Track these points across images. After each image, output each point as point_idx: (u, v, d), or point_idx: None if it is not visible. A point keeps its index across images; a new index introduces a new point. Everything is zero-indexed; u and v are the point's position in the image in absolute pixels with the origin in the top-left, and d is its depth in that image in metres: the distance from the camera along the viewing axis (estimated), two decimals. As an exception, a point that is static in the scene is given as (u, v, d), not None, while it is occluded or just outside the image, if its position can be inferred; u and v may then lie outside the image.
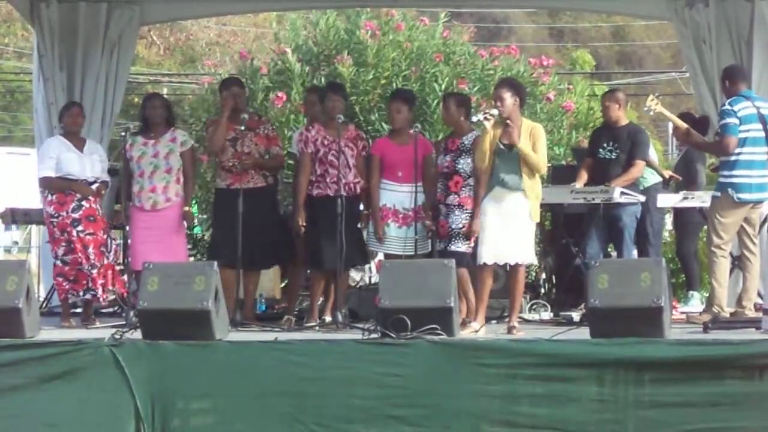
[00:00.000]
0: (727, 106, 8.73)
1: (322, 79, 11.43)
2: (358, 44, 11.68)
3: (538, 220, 8.61)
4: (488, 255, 8.39)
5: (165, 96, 14.62)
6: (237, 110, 9.34)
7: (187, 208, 9.38)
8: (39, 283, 10.77)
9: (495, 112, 8.45)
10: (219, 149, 9.24)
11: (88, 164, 9.15)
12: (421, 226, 8.90)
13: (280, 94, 11.40)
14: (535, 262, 8.65)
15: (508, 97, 8.45)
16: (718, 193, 8.77)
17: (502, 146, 8.45)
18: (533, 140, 8.45)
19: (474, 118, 8.60)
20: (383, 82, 11.45)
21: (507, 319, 8.67)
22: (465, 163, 8.83)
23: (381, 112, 11.37)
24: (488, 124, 8.39)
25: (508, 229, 8.38)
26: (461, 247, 8.72)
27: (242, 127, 9.10)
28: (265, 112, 11.14)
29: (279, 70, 11.87)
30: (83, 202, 9.08)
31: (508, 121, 8.41)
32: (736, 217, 8.72)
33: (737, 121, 8.66)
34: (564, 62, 30.82)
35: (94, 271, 9.00)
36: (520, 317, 8.80)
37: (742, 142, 8.69)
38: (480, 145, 8.52)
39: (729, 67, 9.23)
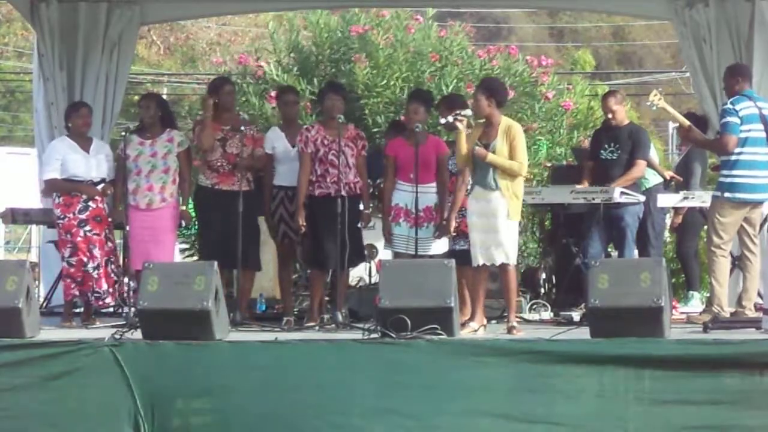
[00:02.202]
0: (729, 105, 8.74)
1: (316, 81, 11.45)
2: (370, 45, 11.68)
3: (517, 218, 8.48)
4: (477, 256, 8.40)
5: (164, 96, 14.63)
6: (225, 109, 9.34)
7: (183, 208, 9.38)
8: (39, 283, 10.77)
9: (468, 112, 8.47)
10: (209, 149, 9.24)
11: (94, 165, 9.15)
12: (432, 227, 8.89)
13: (273, 93, 11.42)
14: (513, 261, 8.52)
15: (482, 99, 8.43)
16: (719, 193, 8.77)
17: (480, 146, 8.42)
18: (510, 140, 8.39)
19: (443, 120, 8.61)
20: (392, 83, 11.47)
21: (506, 319, 8.65)
22: (452, 164, 8.90)
23: (389, 114, 11.38)
24: (460, 126, 8.41)
25: (490, 229, 8.36)
26: (463, 245, 8.76)
27: (227, 127, 9.12)
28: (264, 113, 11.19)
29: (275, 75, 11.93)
30: (90, 203, 9.09)
31: (479, 147, 8.35)
32: (735, 217, 8.71)
33: (738, 121, 8.66)
34: (564, 62, 30.81)
35: (100, 271, 9.00)
36: (520, 317, 8.80)
37: (743, 142, 8.68)
38: (457, 146, 8.52)
39: (735, 66, 9.24)
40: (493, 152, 8.33)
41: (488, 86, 8.57)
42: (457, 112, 8.51)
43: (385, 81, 11.41)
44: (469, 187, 8.79)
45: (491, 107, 8.43)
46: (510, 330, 8.35)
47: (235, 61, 13.01)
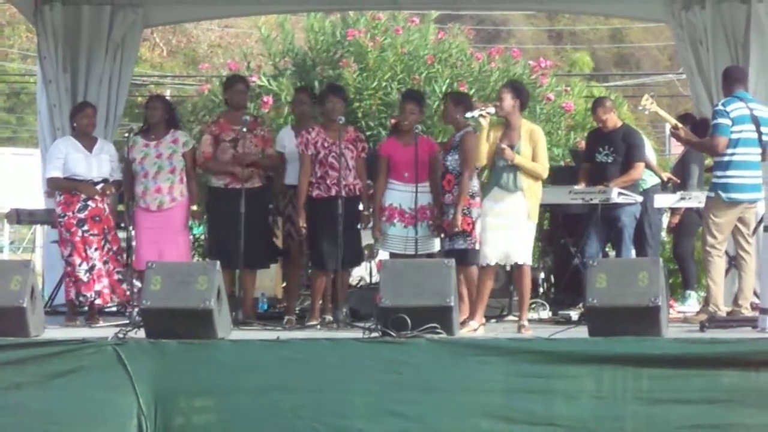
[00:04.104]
0: (720, 107, 8.79)
1: (316, 83, 11.50)
2: (357, 48, 11.73)
3: (536, 220, 8.62)
4: (491, 256, 8.45)
5: (168, 97, 14.70)
6: (235, 108, 9.41)
7: (195, 208, 9.44)
8: (42, 283, 10.81)
9: (492, 110, 8.51)
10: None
11: (95, 164, 9.18)
12: (426, 226, 8.94)
13: (265, 98, 11.47)
14: (530, 262, 8.68)
15: (508, 98, 8.48)
16: (712, 194, 8.82)
17: (502, 148, 8.50)
18: (533, 144, 8.46)
19: (469, 114, 8.66)
20: (384, 84, 11.51)
21: (518, 317, 8.67)
22: (453, 160, 8.90)
23: (382, 115, 11.42)
24: (484, 122, 8.45)
25: (509, 229, 8.41)
26: (462, 244, 8.79)
27: (244, 129, 9.18)
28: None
29: (273, 76, 11.98)
30: (89, 202, 9.12)
31: (507, 148, 8.41)
32: (729, 216, 8.75)
33: (729, 122, 8.70)
34: (563, 64, 30.81)
35: (91, 273, 9.01)
36: (517, 316, 8.84)
37: (735, 143, 8.72)
38: (477, 142, 8.57)
39: (727, 68, 9.28)
40: (518, 154, 8.41)
41: (516, 87, 8.65)
42: (482, 108, 8.56)
43: (375, 83, 11.46)
44: (474, 188, 8.83)
45: (515, 108, 8.50)
46: (520, 329, 8.40)
47: (236, 62, 13.02)
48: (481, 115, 8.45)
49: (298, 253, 9.35)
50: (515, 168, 8.43)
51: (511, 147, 8.45)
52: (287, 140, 9.36)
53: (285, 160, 9.37)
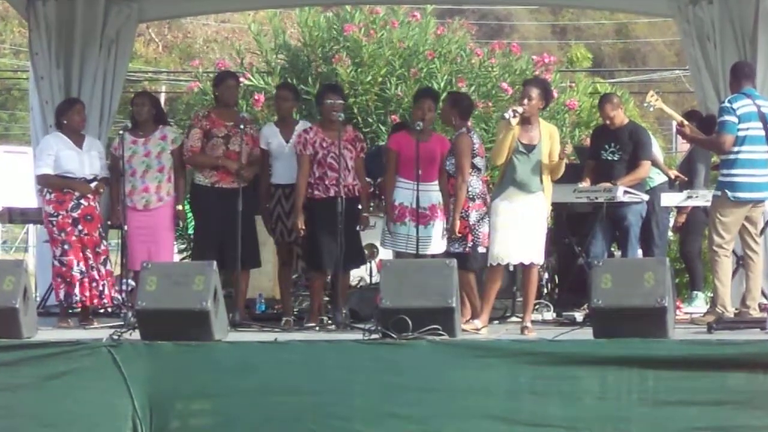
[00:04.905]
0: (727, 104, 8.71)
1: (309, 79, 11.41)
2: (352, 43, 11.64)
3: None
4: (501, 255, 8.35)
5: (161, 93, 14.63)
6: (225, 105, 9.29)
7: (180, 207, 9.31)
8: (35, 284, 10.72)
9: (520, 109, 8.39)
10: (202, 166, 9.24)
11: (87, 161, 9.10)
12: (439, 224, 8.82)
13: (257, 96, 11.37)
14: (542, 262, 8.63)
15: (536, 96, 8.39)
16: (718, 192, 8.74)
17: (522, 147, 8.39)
18: (552, 143, 8.43)
19: (506, 115, 8.50)
20: (380, 80, 11.43)
21: (521, 319, 8.60)
22: (450, 164, 8.83)
23: (378, 111, 11.32)
24: (514, 121, 8.33)
25: (522, 229, 8.34)
26: (458, 248, 8.69)
27: (242, 125, 9.05)
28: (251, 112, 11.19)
29: (266, 72, 11.91)
30: (82, 201, 9.03)
31: (561, 163, 8.39)
32: (736, 216, 8.66)
33: (735, 119, 8.62)
34: (566, 60, 30.79)
35: (93, 272, 8.94)
36: (520, 317, 8.75)
37: (742, 141, 8.64)
38: (501, 141, 8.43)
39: (735, 64, 9.20)
40: (540, 154, 8.37)
41: (545, 87, 8.58)
42: (515, 108, 8.43)
43: (370, 78, 11.37)
44: (471, 188, 8.71)
45: (538, 108, 8.44)
46: (523, 330, 8.34)
47: (233, 59, 12.97)
48: (513, 115, 8.29)
49: (288, 254, 9.22)
50: (537, 169, 8.38)
51: (534, 147, 8.38)
52: (271, 137, 9.22)
53: (268, 157, 9.20)
